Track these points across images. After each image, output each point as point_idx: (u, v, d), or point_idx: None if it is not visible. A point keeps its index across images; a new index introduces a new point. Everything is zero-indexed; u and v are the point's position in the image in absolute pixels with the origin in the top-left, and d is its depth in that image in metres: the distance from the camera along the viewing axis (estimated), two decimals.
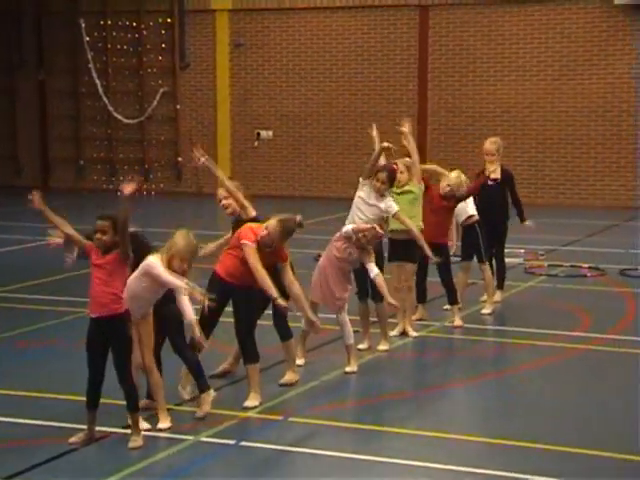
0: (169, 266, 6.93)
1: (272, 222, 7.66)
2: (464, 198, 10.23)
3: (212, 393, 7.35)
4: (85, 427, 6.82)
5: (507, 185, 11.21)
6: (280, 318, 8.12)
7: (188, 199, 22.10)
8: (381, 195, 9.10)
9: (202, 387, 7.34)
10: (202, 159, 8.16)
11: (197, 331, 6.98)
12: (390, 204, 9.12)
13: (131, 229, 7.15)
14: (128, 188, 6.65)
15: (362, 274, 8.95)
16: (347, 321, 8.60)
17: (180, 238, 7.03)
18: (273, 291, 7.54)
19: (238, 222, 8.11)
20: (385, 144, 9.30)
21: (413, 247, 9.58)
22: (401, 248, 9.61)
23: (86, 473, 6.35)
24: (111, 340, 6.67)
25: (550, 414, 7.58)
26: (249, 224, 7.85)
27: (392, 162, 9.56)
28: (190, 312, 6.99)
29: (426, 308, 10.44)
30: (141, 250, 7.12)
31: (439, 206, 10.02)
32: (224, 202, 8.22)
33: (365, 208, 9.08)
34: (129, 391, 6.74)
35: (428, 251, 9.41)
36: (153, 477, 6.29)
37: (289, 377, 8.14)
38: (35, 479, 6.18)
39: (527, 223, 11.40)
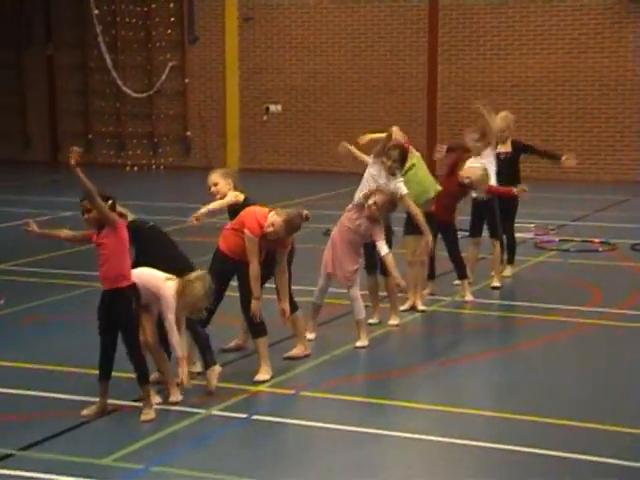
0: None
1: (278, 220, 7.57)
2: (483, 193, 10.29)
3: (218, 368, 7.35)
4: (97, 399, 6.84)
5: (523, 152, 11.17)
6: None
7: (197, 173, 21.99)
8: (392, 174, 9.04)
9: (208, 362, 7.35)
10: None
11: (184, 370, 6.94)
12: (399, 186, 9.03)
13: (131, 217, 7.21)
14: (71, 159, 6.59)
15: (371, 248, 8.93)
16: (358, 296, 8.58)
17: (200, 287, 6.95)
18: (256, 290, 7.52)
19: (234, 208, 8.07)
20: (394, 129, 9.25)
21: (429, 221, 9.57)
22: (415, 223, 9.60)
23: (98, 445, 6.36)
24: (116, 314, 6.68)
25: (559, 389, 7.58)
26: (252, 209, 7.77)
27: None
28: (180, 348, 6.93)
29: (436, 283, 10.43)
30: (144, 238, 7.19)
31: (455, 191, 10.04)
32: (213, 189, 8.16)
33: (373, 183, 9.02)
34: (138, 364, 6.76)
35: (427, 235, 9.29)
36: (165, 450, 6.31)
37: (296, 351, 8.14)
38: (48, 451, 6.20)
39: (564, 160, 11.30)
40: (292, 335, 8.25)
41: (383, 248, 8.55)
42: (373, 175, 8.99)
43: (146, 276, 6.97)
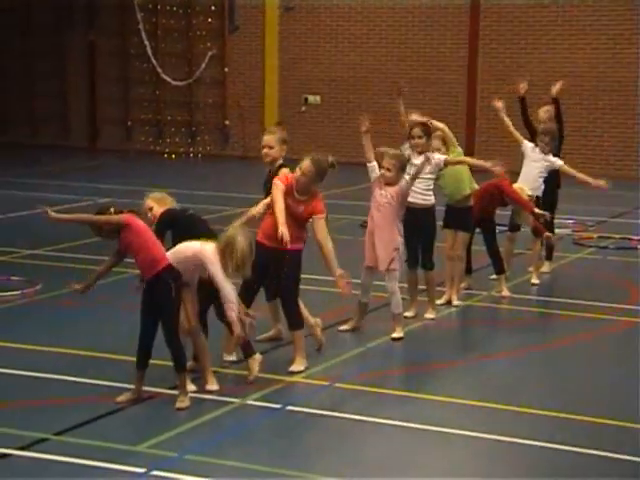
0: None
1: (305, 162, 7.62)
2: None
3: (258, 357, 7.36)
4: (132, 386, 6.86)
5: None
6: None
7: (234, 163, 22.10)
8: (419, 152, 8.98)
9: (248, 352, 7.35)
10: None
11: (239, 315, 6.96)
12: (438, 155, 9.02)
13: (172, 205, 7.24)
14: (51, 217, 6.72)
15: (412, 241, 8.92)
16: (397, 290, 8.55)
17: (242, 242, 6.86)
18: (281, 217, 7.45)
19: (270, 176, 8.02)
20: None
21: (468, 215, 9.58)
22: (456, 215, 9.59)
23: (133, 432, 6.39)
24: (156, 299, 6.70)
25: (595, 387, 7.52)
26: (284, 170, 7.79)
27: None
28: (233, 298, 6.92)
29: (472, 277, 10.37)
30: (182, 226, 7.21)
31: (497, 201, 10.07)
32: (265, 150, 8.08)
33: (413, 169, 8.98)
34: (176, 352, 6.77)
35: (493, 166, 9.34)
36: (200, 438, 6.31)
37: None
38: (82, 437, 6.23)
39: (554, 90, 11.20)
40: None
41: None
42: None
43: (181, 248, 6.97)
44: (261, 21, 22.65)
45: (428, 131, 9.11)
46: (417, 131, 9.05)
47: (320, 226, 7.70)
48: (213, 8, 22.98)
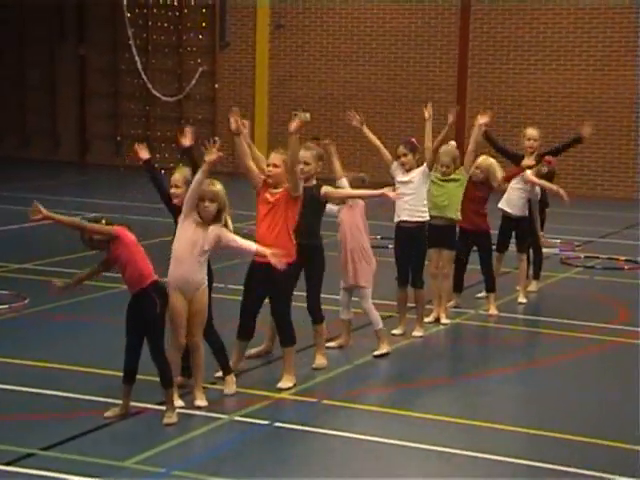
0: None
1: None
2: (498, 186, 10.20)
3: (233, 378, 7.45)
4: (120, 401, 6.86)
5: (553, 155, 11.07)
6: (314, 300, 8.09)
7: (224, 178, 22.01)
8: (407, 170, 9.09)
9: (225, 369, 7.43)
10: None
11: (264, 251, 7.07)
12: (421, 169, 9.09)
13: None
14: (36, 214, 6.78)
15: (403, 259, 8.99)
16: (371, 307, 8.58)
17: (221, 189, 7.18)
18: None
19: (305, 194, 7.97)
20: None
21: (452, 233, 9.62)
22: (439, 234, 9.59)
23: (120, 448, 6.39)
24: (141, 315, 6.71)
25: (582, 406, 7.54)
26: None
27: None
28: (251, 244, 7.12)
29: (460, 296, 10.41)
30: None
31: (473, 194, 10.01)
32: (300, 166, 7.94)
33: (404, 188, 9.04)
34: (162, 367, 6.77)
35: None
36: (186, 454, 6.32)
37: (320, 361, 8.13)
38: (69, 452, 6.23)
39: (583, 133, 10.99)
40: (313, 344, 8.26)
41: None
42: (397, 180, 9.08)
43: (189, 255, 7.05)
44: (252, 38, 22.73)
45: (413, 148, 9.16)
46: (401, 150, 9.10)
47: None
48: (204, 24, 23.05)
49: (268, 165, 7.78)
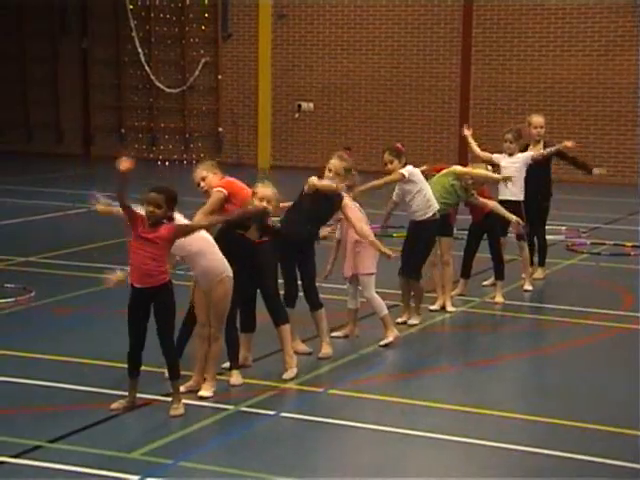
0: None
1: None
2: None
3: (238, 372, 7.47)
4: (126, 393, 6.87)
5: (555, 155, 11.07)
6: (310, 286, 8.09)
7: (228, 170, 21.94)
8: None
9: (233, 363, 7.45)
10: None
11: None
12: (404, 170, 9.07)
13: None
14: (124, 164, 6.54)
15: (404, 249, 9.01)
16: (374, 295, 8.56)
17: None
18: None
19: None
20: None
21: (446, 221, 9.60)
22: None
23: (127, 439, 6.40)
24: (157, 309, 6.68)
25: (588, 393, 7.54)
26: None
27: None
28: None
29: (468, 283, 10.40)
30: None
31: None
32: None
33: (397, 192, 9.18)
34: (172, 360, 6.77)
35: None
36: (194, 445, 6.32)
37: (325, 350, 8.11)
38: (77, 444, 6.23)
39: (596, 171, 11.27)
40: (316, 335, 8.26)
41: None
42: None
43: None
44: (254, 28, 22.69)
45: (399, 153, 9.13)
46: (386, 157, 9.05)
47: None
48: (206, 15, 23.02)
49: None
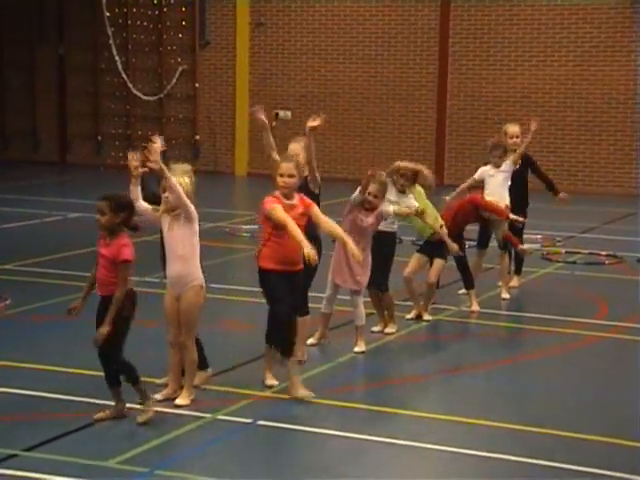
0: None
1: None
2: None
3: (209, 372, 7.49)
4: (104, 402, 6.84)
5: (529, 168, 11.21)
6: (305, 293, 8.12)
7: (205, 177, 22.01)
8: (402, 192, 9.17)
9: (201, 365, 7.43)
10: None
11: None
12: (411, 202, 9.13)
13: None
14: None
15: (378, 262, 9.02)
16: (360, 303, 8.62)
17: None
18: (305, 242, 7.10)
19: None
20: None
21: (443, 245, 9.64)
22: (435, 245, 9.70)
23: (103, 448, 6.36)
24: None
25: (563, 401, 7.58)
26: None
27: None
28: None
29: (438, 293, 10.41)
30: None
31: (470, 217, 10.26)
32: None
33: (386, 204, 9.11)
34: (121, 368, 6.71)
35: (453, 246, 9.50)
36: (170, 454, 6.32)
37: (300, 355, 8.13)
38: (52, 453, 6.21)
39: (561, 195, 11.49)
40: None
41: (388, 209, 8.67)
42: (387, 197, 9.03)
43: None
44: (232, 36, 22.71)
45: (415, 176, 9.23)
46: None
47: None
48: (184, 23, 23.01)
49: (282, 175, 7.41)
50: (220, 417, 6.94)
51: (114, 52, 22.18)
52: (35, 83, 24.32)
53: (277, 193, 7.38)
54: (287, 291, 7.30)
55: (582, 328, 9.61)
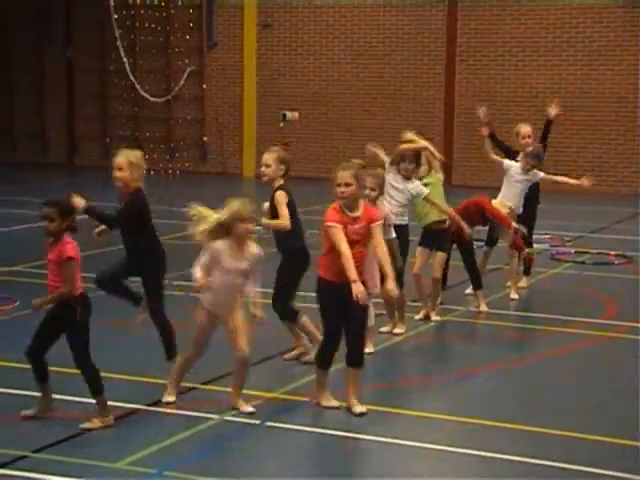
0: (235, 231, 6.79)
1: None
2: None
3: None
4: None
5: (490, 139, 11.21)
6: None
7: (213, 179, 22.11)
8: (407, 178, 9.10)
9: (171, 355, 7.47)
10: None
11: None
12: (420, 187, 9.12)
13: None
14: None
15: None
16: (370, 305, 8.56)
17: (231, 204, 6.85)
18: (354, 277, 6.83)
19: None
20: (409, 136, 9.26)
21: (445, 236, 9.61)
22: (434, 237, 9.64)
23: (113, 449, 6.36)
24: (63, 326, 6.66)
25: (573, 401, 7.56)
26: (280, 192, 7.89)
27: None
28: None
29: (446, 294, 10.40)
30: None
31: (476, 221, 10.25)
32: (262, 169, 8.13)
33: (395, 193, 9.08)
34: (91, 376, 6.70)
35: (465, 227, 9.46)
36: (179, 455, 6.31)
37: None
38: (62, 454, 6.22)
39: (550, 111, 11.64)
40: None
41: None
42: (391, 183, 9.03)
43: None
44: (239, 37, 22.73)
45: (419, 159, 9.18)
46: (409, 157, 9.09)
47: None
48: (191, 25, 23.05)
49: (339, 185, 6.94)
50: (228, 418, 6.93)
51: (122, 54, 22.23)
52: (43, 85, 24.38)
53: (337, 204, 6.97)
54: (340, 306, 6.98)
55: (591, 328, 9.58)
